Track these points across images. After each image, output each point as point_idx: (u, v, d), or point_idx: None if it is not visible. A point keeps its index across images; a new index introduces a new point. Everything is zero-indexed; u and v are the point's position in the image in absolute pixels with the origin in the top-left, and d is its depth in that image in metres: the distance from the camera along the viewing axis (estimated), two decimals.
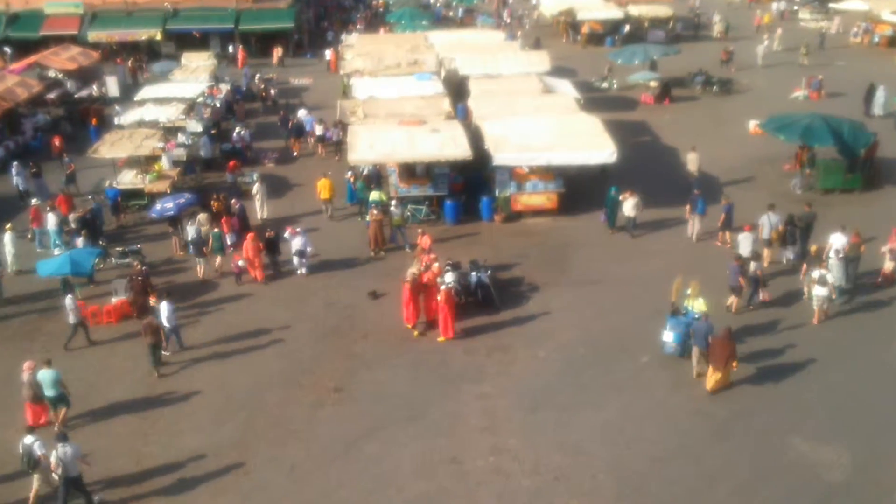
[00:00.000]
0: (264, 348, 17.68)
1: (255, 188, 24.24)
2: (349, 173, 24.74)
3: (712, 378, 15.40)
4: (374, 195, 22.97)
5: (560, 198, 23.53)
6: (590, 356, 17.03)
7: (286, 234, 20.92)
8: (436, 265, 18.60)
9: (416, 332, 17.66)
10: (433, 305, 18.05)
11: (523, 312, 18.82)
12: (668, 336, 16.15)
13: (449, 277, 18.46)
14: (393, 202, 22.49)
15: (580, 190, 24.00)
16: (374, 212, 21.89)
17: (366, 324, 18.58)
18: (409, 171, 24.21)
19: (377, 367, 16.95)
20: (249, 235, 20.32)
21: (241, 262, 20.16)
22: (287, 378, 16.61)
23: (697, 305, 16.23)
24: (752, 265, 18.22)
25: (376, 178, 25.37)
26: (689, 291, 16.53)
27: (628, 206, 21.67)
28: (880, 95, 31.50)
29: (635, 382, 16.07)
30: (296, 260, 20.46)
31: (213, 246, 20.89)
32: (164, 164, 26.28)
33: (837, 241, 18.77)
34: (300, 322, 18.73)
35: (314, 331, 18.34)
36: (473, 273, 19.24)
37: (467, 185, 24.92)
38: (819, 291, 17.30)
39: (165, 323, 16.94)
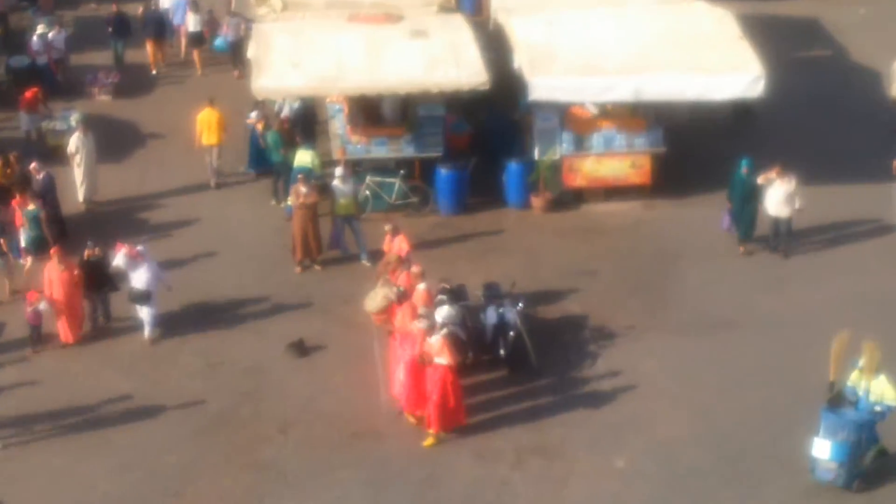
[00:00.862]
0: (88, 453, 17.75)
1: (74, 142, 24.33)
2: (252, 114, 25.15)
3: None
4: (303, 157, 23.37)
5: (657, 165, 23.88)
6: (711, 469, 16.99)
7: (118, 258, 20.27)
8: (421, 286, 18.79)
9: (428, 440, 17.87)
10: (416, 372, 18.00)
11: (585, 382, 19.13)
12: (823, 448, 16.03)
13: (442, 316, 18.62)
14: (338, 172, 22.66)
15: (693, 152, 24.20)
16: (303, 190, 22.06)
17: (285, 405, 18.75)
18: (370, 113, 24.42)
19: (307, 489, 16.95)
20: (53, 253, 20.13)
21: (41, 306, 19.88)
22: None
23: (878, 388, 16.07)
24: None
25: (304, 123, 25.42)
26: (861, 362, 16.32)
27: (775, 196, 21.59)
28: None
29: None
30: (141, 311, 20.32)
31: None
32: None
33: None
34: (157, 403, 18.86)
35: (185, 421, 18.41)
36: (490, 309, 19.50)
37: (480, 140, 25.06)
38: None
39: None
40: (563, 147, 23.87)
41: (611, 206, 23.92)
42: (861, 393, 16.34)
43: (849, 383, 16.39)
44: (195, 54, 30.59)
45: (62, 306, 20.06)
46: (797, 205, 21.58)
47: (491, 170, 24.23)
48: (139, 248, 20.29)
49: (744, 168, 21.69)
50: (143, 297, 20.09)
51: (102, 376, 19.59)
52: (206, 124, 24.74)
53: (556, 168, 23.90)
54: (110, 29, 30.29)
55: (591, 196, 24.16)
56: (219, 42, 30.85)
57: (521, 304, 19.53)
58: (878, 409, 16.12)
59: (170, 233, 23.57)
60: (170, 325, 20.81)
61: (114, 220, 23.64)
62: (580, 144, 23.91)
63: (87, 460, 17.72)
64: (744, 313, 20.61)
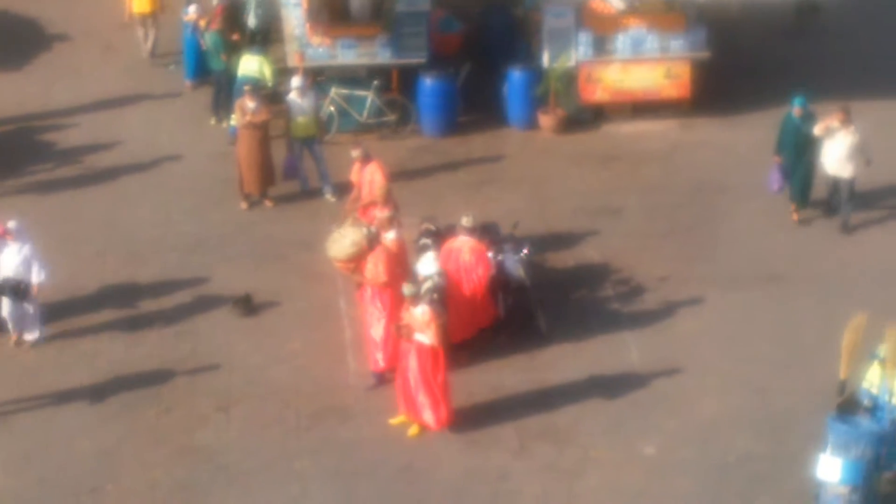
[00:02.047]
0: None
1: None
2: (190, 9, 25.65)
3: None
4: (249, 64, 23.68)
5: (699, 74, 24.02)
6: (764, 457, 16.97)
7: None
8: (390, 235, 18.70)
9: (413, 428, 17.79)
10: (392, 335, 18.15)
11: (605, 349, 19.22)
12: (831, 468, 15.52)
13: (430, 266, 18.83)
14: (295, 83, 22.86)
15: (747, 57, 24.65)
16: (250, 106, 22.24)
17: (227, 377, 18.84)
18: (336, 8, 24.55)
19: (256, 483, 16.94)
20: None
21: None
22: None
23: None
24: None
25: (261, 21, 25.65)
26: (881, 352, 15.90)
27: (836, 151, 21.00)
28: None
29: None
30: (4, 310, 19.32)
31: None
32: None
33: None
34: (67, 376, 18.92)
35: (102, 398, 18.43)
36: (489, 255, 19.45)
37: (475, 42, 25.40)
38: None
39: None
40: (579, 51, 24.05)
41: (640, 127, 24.22)
42: (880, 394, 15.78)
43: (864, 383, 15.91)
44: None
45: None
46: (865, 161, 21.14)
47: (488, 80, 24.46)
48: (10, 224, 19.05)
49: (796, 108, 21.19)
50: (16, 290, 19.08)
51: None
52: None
53: (570, 78, 24.12)
54: None
55: (614, 113, 24.44)
56: None
57: (525, 251, 19.57)
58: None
59: (82, 160, 23.75)
60: (85, 274, 20.82)
61: (9, 143, 23.62)
62: (601, 47, 24.22)
63: None
64: (803, 264, 20.69)
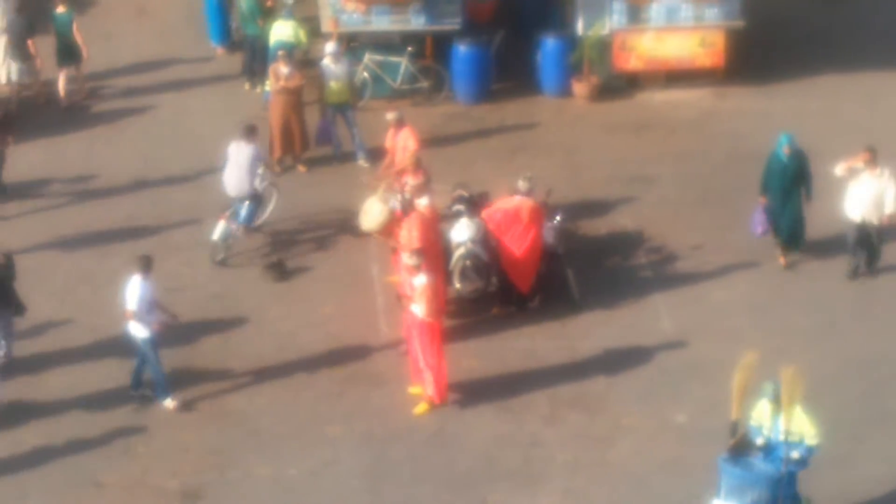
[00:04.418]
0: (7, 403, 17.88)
1: None
2: None
3: None
4: (283, 30, 23.61)
5: (733, 43, 23.97)
6: (832, 421, 16.58)
7: None
8: (423, 202, 18.82)
9: (421, 407, 17.79)
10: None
11: (637, 318, 19.37)
12: None
13: (462, 233, 18.90)
14: (329, 49, 22.78)
15: (781, 27, 24.60)
16: (284, 71, 22.25)
17: (259, 342, 18.93)
18: None
19: (287, 449, 17.07)
20: None
21: None
22: (69, 470, 16.74)
23: (796, 424, 15.19)
24: None
25: None
26: (772, 392, 15.29)
27: (862, 195, 19.40)
28: None
29: None
30: None
31: None
32: None
33: None
34: (96, 336, 19.01)
35: (130, 361, 18.23)
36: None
37: (508, 10, 25.25)
38: None
39: None
40: (613, 19, 23.99)
41: (673, 95, 24.20)
42: (772, 434, 15.30)
43: (752, 422, 15.45)
44: None
45: None
46: (891, 207, 19.42)
47: (522, 47, 24.40)
48: None
49: (784, 147, 19.67)
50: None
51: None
52: None
53: (604, 46, 24.11)
54: None
55: (648, 81, 24.44)
56: None
57: (558, 218, 19.63)
58: (796, 454, 15.06)
59: (117, 124, 23.79)
60: (115, 237, 20.96)
61: (46, 109, 23.63)
62: (635, 15, 24.11)
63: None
64: (835, 234, 20.37)
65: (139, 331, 17.20)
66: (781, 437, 15.02)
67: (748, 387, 15.18)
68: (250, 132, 20.63)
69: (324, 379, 18.08)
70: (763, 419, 15.20)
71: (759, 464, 15.00)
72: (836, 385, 17.62)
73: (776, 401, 15.06)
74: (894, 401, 17.59)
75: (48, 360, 18.52)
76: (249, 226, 20.69)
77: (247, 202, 20.56)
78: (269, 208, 21.13)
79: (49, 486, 16.46)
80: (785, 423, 14.97)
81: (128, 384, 17.86)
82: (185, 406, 17.59)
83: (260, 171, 20.76)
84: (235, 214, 20.58)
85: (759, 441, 15.12)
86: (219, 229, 20.48)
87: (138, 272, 17.23)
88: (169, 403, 17.50)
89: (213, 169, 22.17)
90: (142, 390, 17.64)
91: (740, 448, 15.06)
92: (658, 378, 17.92)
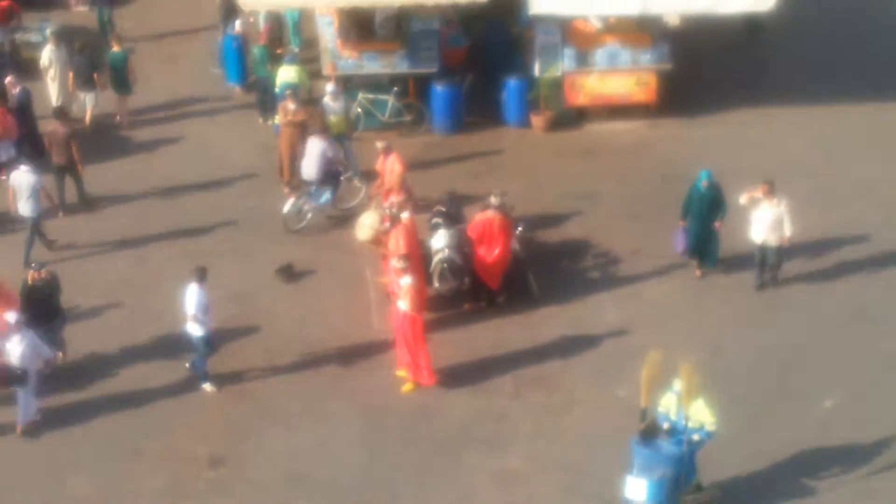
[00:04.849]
0: (62, 381, 17.74)
1: (47, 55, 24.20)
2: (237, 24, 25.32)
3: None
4: (288, 73, 23.40)
5: (663, 82, 23.91)
6: (731, 399, 16.51)
7: None
8: (404, 215, 18.69)
9: (407, 386, 17.69)
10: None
11: (586, 310, 19.23)
12: (638, 488, 14.79)
13: (440, 241, 18.82)
14: (328, 88, 22.59)
15: (702, 68, 24.50)
16: (291, 107, 21.98)
17: (273, 333, 18.79)
18: (362, 26, 24.30)
19: (293, 422, 17.11)
20: None
21: None
22: (114, 440, 16.74)
23: (696, 412, 15.01)
24: None
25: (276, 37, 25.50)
26: (676, 385, 15.16)
27: (763, 221, 19.03)
28: None
29: (811, 441, 16.32)
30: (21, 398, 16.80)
31: None
32: None
33: None
34: (136, 330, 18.93)
35: (168, 347, 18.31)
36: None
37: (477, 56, 25.00)
38: None
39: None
40: (564, 63, 23.83)
41: (614, 126, 23.94)
42: (677, 419, 15.10)
43: (660, 409, 15.21)
44: None
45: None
46: (787, 231, 18.97)
47: (488, 87, 24.26)
48: (12, 316, 16.69)
49: (703, 181, 19.22)
50: (18, 378, 16.62)
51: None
52: None
53: (557, 85, 23.89)
54: None
55: (593, 115, 24.14)
56: None
57: (520, 229, 19.50)
58: (696, 437, 14.88)
59: (152, 151, 23.59)
60: (153, 244, 20.86)
61: (92, 138, 23.19)
62: (583, 60, 23.84)
63: (54, 393, 17.65)
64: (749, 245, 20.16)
65: (196, 330, 17.13)
66: (684, 424, 14.86)
67: (654, 379, 15.06)
68: (323, 132, 21.26)
69: (326, 364, 18.06)
70: (670, 407, 15.00)
71: (665, 445, 14.79)
72: (742, 369, 17.72)
73: (681, 393, 14.87)
74: (791, 383, 17.57)
75: (98, 351, 18.33)
76: (325, 207, 21.08)
77: (324, 188, 20.92)
78: (354, 202, 21.22)
79: (98, 453, 16.45)
80: (687, 411, 14.85)
81: (165, 369, 17.83)
82: (218, 388, 17.55)
83: (334, 164, 21.05)
84: (311, 195, 20.93)
85: (665, 426, 14.88)
86: (288, 205, 20.94)
87: (195, 281, 17.10)
88: (208, 388, 17.41)
89: (232, 185, 22.39)
90: (210, 381, 17.57)
91: (649, 432, 14.83)
92: (604, 360, 17.88)
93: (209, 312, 17.21)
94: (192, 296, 17.04)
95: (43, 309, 17.40)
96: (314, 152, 21.09)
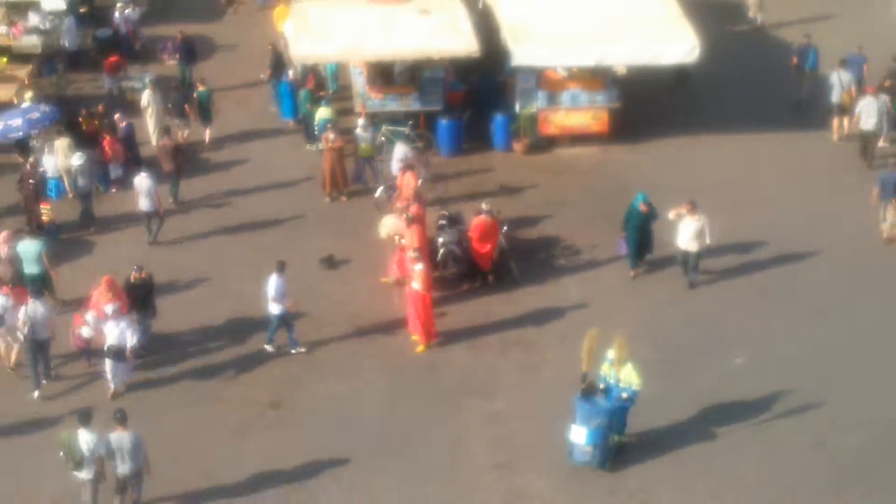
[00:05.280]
0: (157, 346, 17.77)
1: (147, 97, 24.05)
2: (290, 73, 25.03)
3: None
4: (323, 112, 23.17)
5: (613, 117, 23.76)
6: (662, 356, 16.96)
7: (90, 316, 16.90)
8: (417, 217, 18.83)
9: (420, 347, 17.70)
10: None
11: (556, 288, 19.19)
12: (579, 434, 14.62)
13: (445, 237, 19.16)
14: (360, 123, 22.47)
15: (644, 105, 24.18)
16: (331, 136, 21.87)
17: (320, 308, 18.71)
18: (384, 75, 24.24)
19: (334, 375, 17.18)
20: (105, 281, 16.99)
21: (83, 331, 16.85)
22: (198, 390, 16.84)
23: (626, 376, 14.94)
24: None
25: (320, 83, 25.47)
26: (611, 354, 15.11)
27: (687, 233, 18.65)
28: None
29: (723, 395, 16.34)
30: (108, 365, 16.40)
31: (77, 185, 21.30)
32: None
33: None
34: (215, 304, 18.85)
35: (240, 319, 18.37)
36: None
37: (472, 97, 24.80)
38: None
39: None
40: (538, 103, 23.67)
41: (576, 150, 23.71)
42: (612, 381, 14.99)
43: (601, 373, 15.09)
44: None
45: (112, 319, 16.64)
46: (707, 241, 18.56)
47: (481, 121, 24.01)
48: (110, 307, 16.51)
49: (640, 202, 18.86)
50: (115, 353, 16.31)
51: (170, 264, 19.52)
52: (280, 15, 26.07)
53: (533, 119, 23.69)
54: (178, 55, 27.30)
55: (560, 142, 23.95)
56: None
57: (505, 227, 19.52)
58: (625, 395, 14.78)
59: (228, 170, 23.50)
60: (223, 242, 20.84)
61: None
62: (552, 100, 23.71)
63: (156, 352, 17.67)
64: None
65: (275, 309, 17.18)
66: (617, 385, 14.93)
67: (593, 349, 15.09)
68: (407, 140, 21.97)
69: (359, 331, 18.06)
70: (605, 372, 15.05)
71: (601, 402, 14.72)
72: (670, 336, 17.73)
73: (613, 361, 14.97)
74: (710, 346, 17.53)
75: (185, 321, 18.36)
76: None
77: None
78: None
79: (184, 401, 16.64)
80: (618, 375, 14.90)
81: (236, 335, 17.98)
82: (276, 350, 17.61)
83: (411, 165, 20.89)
84: (391, 187, 21.06)
85: (602, 386, 14.93)
86: (378, 192, 21.30)
87: (276, 272, 17.12)
88: (296, 351, 17.49)
89: (285, 195, 22.22)
90: (273, 344, 17.57)
91: (588, 391, 14.73)
92: (569, 328, 17.78)
93: (285, 296, 17.15)
94: (273, 283, 17.02)
95: (140, 302, 17.27)
96: (397, 156, 21.31)
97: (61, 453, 13.80)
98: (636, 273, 19.31)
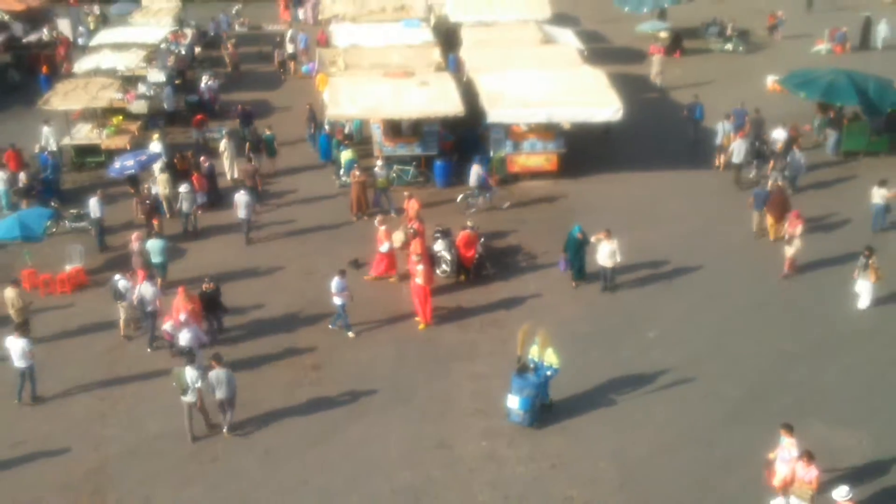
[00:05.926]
0: (233, 323, 17.57)
1: (223, 145, 24.14)
2: (327, 125, 25.02)
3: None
4: (347, 154, 23.08)
5: (560, 158, 23.60)
6: (595, 334, 16.96)
7: (168, 326, 16.18)
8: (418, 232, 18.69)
9: (421, 326, 17.39)
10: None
11: (519, 282, 18.99)
12: (514, 402, 14.36)
13: (439, 246, 19.03)
14: (378, 163, 22.34)
15: (582, 150, 24.12)
16: (357, 173, 21.81)
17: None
18: (395, 129, 24.12)
19: (359, 345, 17.03)
20: (180, 290, 16.33)
21: (166, 326, 16.20)
22: (260, 356, 16.66)
23: (548, 358, 14.58)
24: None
25: (348, 134, 25.39)
26: (537, 341, 14.69)
27: (603, 253, 18.07)
28: (882, 29, 33.80)
29: (640, 361, 16.08)
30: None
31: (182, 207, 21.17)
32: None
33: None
34: (275, 293, 18.72)
35: (291, 304, 18.31)
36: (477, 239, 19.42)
37: (459, 145, 24.74)
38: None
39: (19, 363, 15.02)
40: (507, 149, 23.57)
41: (534, 183, 23.53)
42: (539, 362, 14.64)
43: (530, 356, 14.72)
44: (291, 65, 32.12)
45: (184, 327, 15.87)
46: (617, 259, 18.09)
47: (465, 162, 23.59)
48: (182, 316, 15.87)
49: (577, 232, 18.34)
50: (188, 355, 14.99)
51: (245, 271, 19.21)
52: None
53: (503, 161, 23.53)
54: (238, 120, 26.49)
55: (522, 177, 23.78)
56: (305, 69, 31.65)
57: (482, 239, 19.44)
58: (549, 373, 14.50)
59: (282, 195, 23.27)
60: (282, 247, 20.53)
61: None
62: (517, 147, 23.58)
63: (230, 327, 17.36)
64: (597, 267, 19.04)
65: (338, 300, 16.87)
66: (542, 365, 14.58)
67: (526, 339, 14.73)
68: (480, 162, 21.72)
69: (376, 315, 17.76)
70: (534, 354, 14.71)
71: (531, 377, 14.42)
72: (596, 321, 17.40)
73: (539, 346, 14.64)
74: (628, 325, 17.14)
75: (254, 307, 18.01)
76: (478, 202, 21.61)
77: (479, 192, 21.47)
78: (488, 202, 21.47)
79: (251, 364, 16.31)
80: (542, 357, 14.62)
81: (288, 318, 17.69)
82: (307, 326, 17.20)
83: (486, 181, 21.32)
84: (474, 194, 21.46)
85: (532, 366, 14.63)
86: (460, 198, 21.65)
87: (338, 275, 16.85)
88: (351, 334, 17.06)
89: (322, 213, 21.82)
90: (334, 327, 17.22)
91: (522, 369, 14.50)
92: (529, 311, 17.58)
93: (346, 291, 16.79)
94: (336, 283, 16.74)
95: (210, 307, 16.80)
96: (475, 173, 21.40)
97: (174, 383, 14.21)
98: (577, 284, 18.60)
